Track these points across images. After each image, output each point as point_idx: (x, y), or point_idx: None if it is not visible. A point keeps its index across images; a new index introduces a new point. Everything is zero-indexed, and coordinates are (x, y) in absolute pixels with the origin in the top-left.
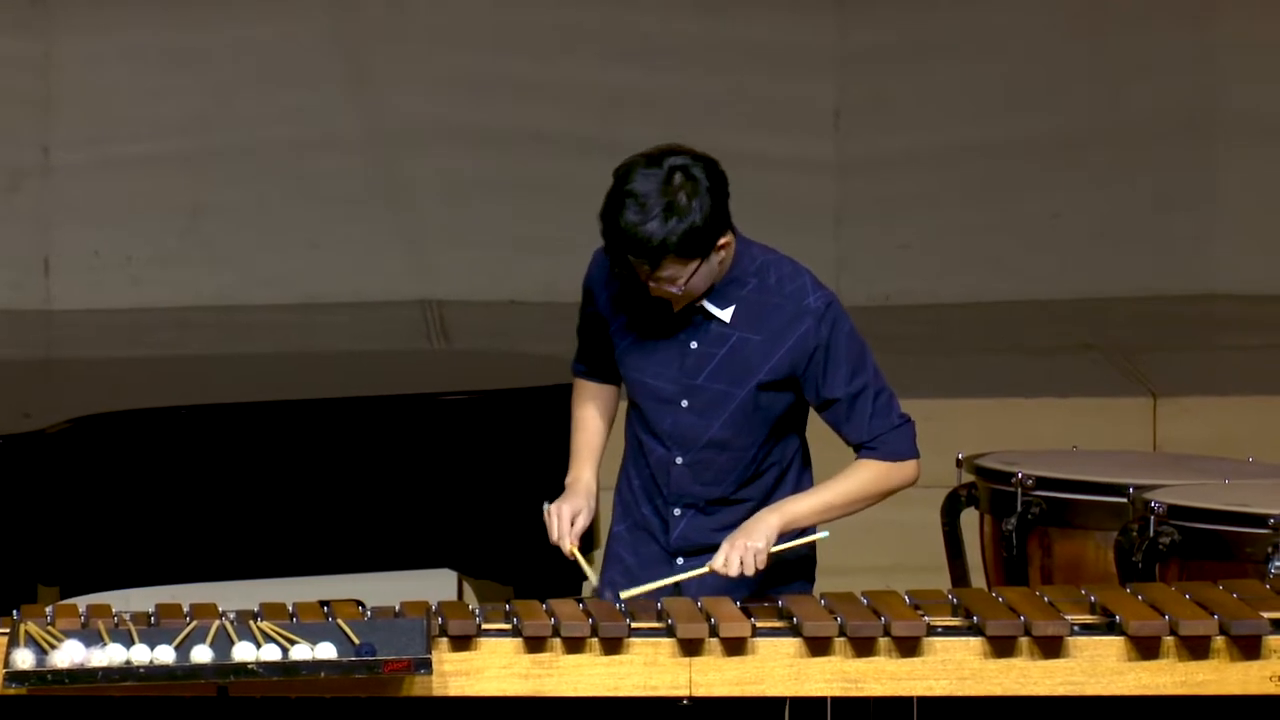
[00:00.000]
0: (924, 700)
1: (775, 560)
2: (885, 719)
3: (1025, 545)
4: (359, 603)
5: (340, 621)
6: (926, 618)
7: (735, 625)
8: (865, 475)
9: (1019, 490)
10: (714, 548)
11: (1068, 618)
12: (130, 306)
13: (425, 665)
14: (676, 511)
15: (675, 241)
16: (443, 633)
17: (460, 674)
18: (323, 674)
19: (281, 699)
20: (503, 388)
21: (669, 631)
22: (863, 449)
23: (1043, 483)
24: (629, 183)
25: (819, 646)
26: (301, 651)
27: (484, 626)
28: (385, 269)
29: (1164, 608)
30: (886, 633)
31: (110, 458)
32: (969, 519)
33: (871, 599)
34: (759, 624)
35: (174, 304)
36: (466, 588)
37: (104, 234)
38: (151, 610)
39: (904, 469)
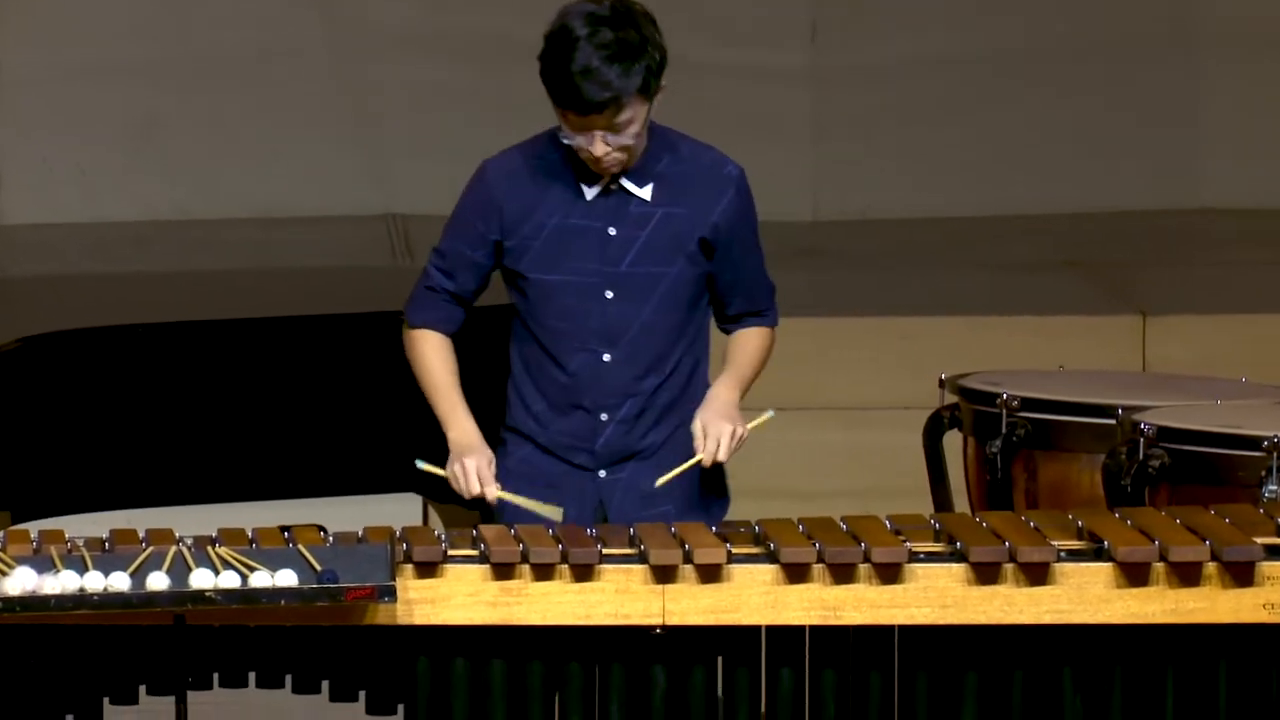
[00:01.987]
0: (905, 629)
1: (687, 474)
2: (865, 648)
3: (1010, 469)
4: (321, 528)
5: (301, 548)
6: (908, 544)
7: (710, 551)
8: (762, 344)
9: (1003, 412)
10: (646, 452)
11: (1054, 544)
12: (83, 220)
13: (389, 593)
14: (604, 417)
15: (639, 78)
16: (407, 559)
17: (425, 602)
18: (283, 602)
19: (240, 628)
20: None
21: (641, 558)
22: (750, 318)
23: (1028, 404)
24: (577, 29)
25: (796, 573)
26: (261, 579)
27: (450, 553)
28: (347, 182)
29: (1153, 533)
30: (866, 559)
31: (62, 378)
32: (951, 442)
33: (851, 524)
34: (734, 550)
35: (128, 218)
36: (432, 513)
37: (55, 145)
38: (106, 536)
39: (773, 333)
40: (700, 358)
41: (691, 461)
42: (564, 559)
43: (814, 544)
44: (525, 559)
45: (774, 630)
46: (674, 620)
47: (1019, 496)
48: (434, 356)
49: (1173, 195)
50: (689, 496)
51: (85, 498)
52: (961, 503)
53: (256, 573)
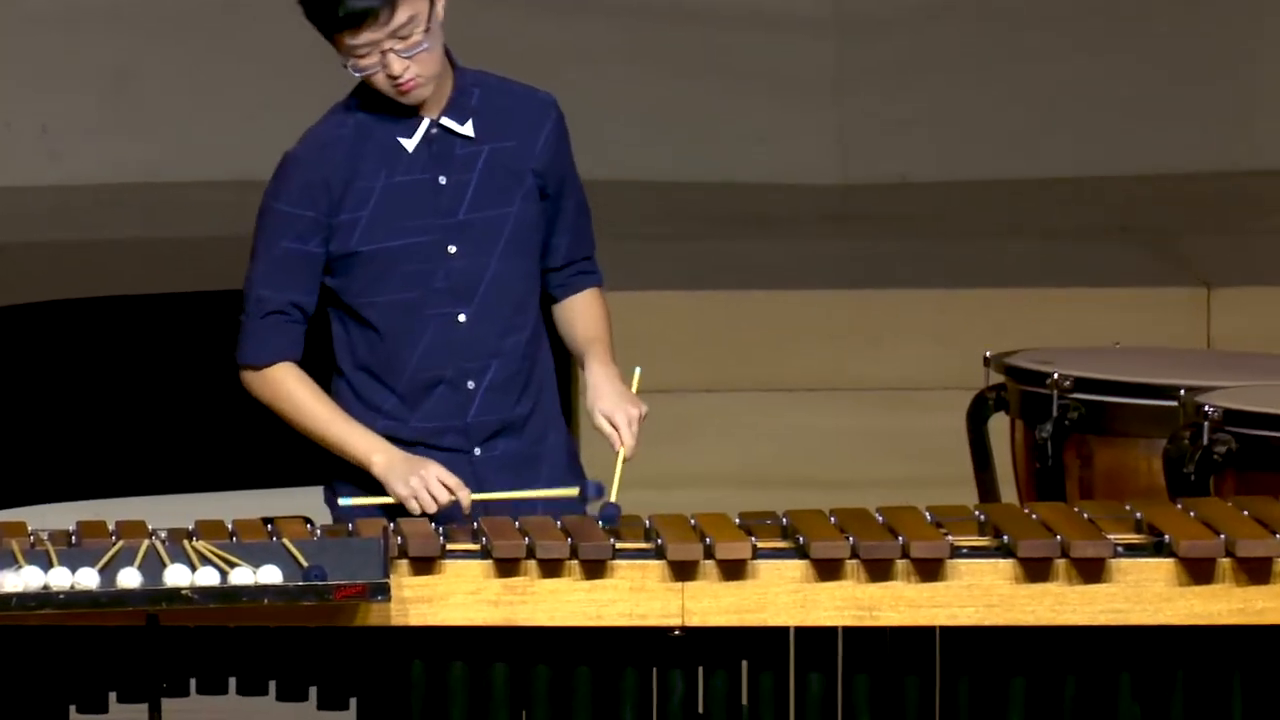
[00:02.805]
0: (947, 631)
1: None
2: (903, 651)
3: (1062, 455)
4: (307, 520)
5: (286, 542)
6: (950, 537)
7: (734, 546)
8: (604, 308)
9: (1055, 393)
10: (515, 424)
11: (1110, 537)
12: (46, 183)
13: (382, 591)
14: (470, 385)
15: None
16: (402, 554)
17: (422, 600)
18: (266, 601)
19: (219, 629)
20: None
21: (658, 553)
22: (580, 275)
23: (1081, 384)
24: None
25: (828, 570)
26: (242, 575)
27: (449, 547)
28: None
29: (1219, 525)
30: (905, 554)
31: (24, 355)
32: (997, 426)
33: (887, 516)
34: (760, 544)
35: (95, 180)
36: None
37: (16, 100)
38: (72, 529)
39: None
40: (536, 315)
41: (620, 459)
42: (573, 554)
43: (847, 538)
44: (531, 554)
45: (803, 632)
46: (694, 621)
47: (1072, 485)
48: (299, 390)
49: (1226, 157)
50: (556, 467)
51: (49, 487)
52: (1009, 492)
53: (237, 569)
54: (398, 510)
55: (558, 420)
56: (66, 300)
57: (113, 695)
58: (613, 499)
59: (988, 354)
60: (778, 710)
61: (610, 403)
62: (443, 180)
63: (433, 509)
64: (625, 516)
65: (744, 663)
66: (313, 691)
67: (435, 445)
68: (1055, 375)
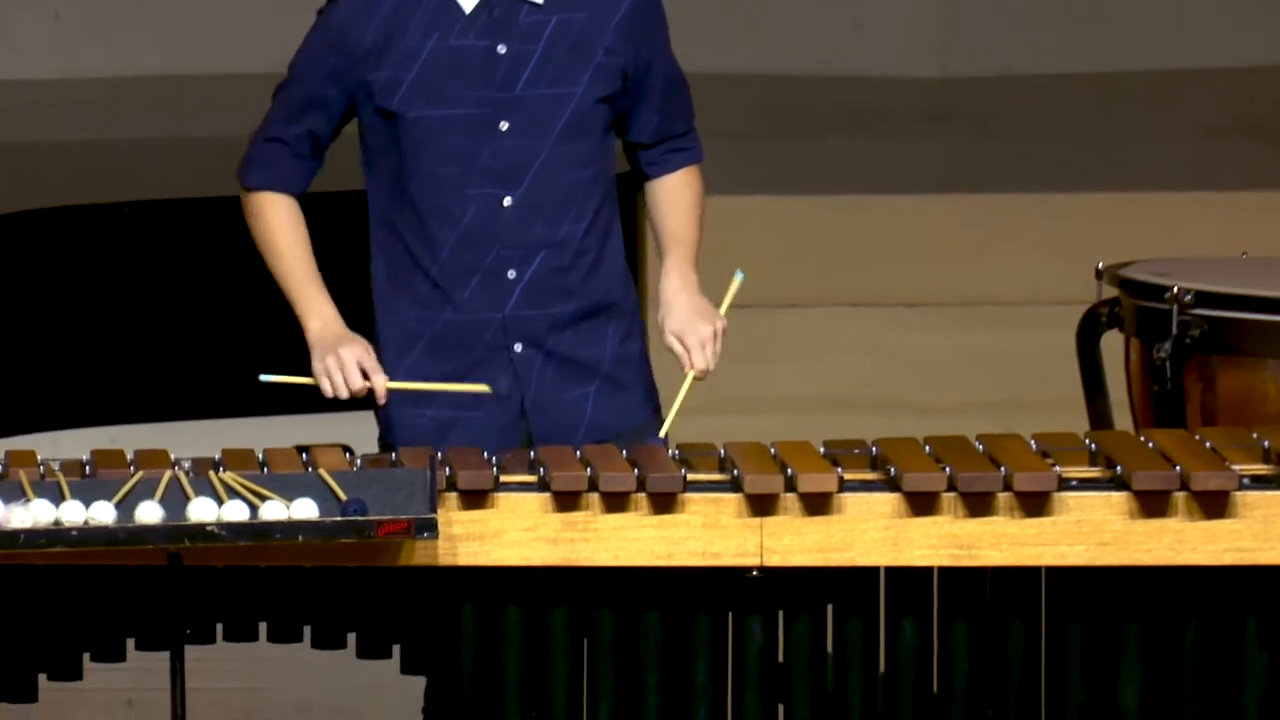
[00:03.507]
0: (1054, 571)
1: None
2: (1006, 594)
3: (1181, 377)
4: (346, 448)
5: (323, 472)
6: (1057, 468)
7: (818, 477)
8: (696, 192)
9: (1175, 308)
10: (556, 324)
11: (1235, 468)
12: (55, 77)
13: (429, 527)
14: (511, 274)
15: None
16: (451, 486)
17: (473, 538)
18: (301, 538)
19: (249, 569)
20: None
21: (734, 485)
22: (673, 152)
23: (1204, 299)
24: None
25: (923, 504)
26: (274, 510)
27: (502, 479)
28: None
29: None
30: (1007, 487)
31: (30, 266)
32: (1111, 345)
33: (988, 445)
34: (847, 475)
35: (109, 74)
36: None
37: None
38: (86, 458)
39: (701, 171)
40: (614, 214)
41: (687, 382)
42: (641, 486)
43: (943, 468)
44: (593, 486)
45: (894, 573)
46: (774, 560)
47: (1193, 411)
48: (279, 225)
49: None
50: (617, 383)
51: (61, 411)
52: (1123, 418)
53: (268, 503)
54: (316, 392)
55: (633, 331)
56: (73, 206)
57: (131, 642)
58: (664, 433)
59: (1100, 265)
60: (866, 659)
61: (681, 319)
62: (501, 49)
63: (344, 394)
64: (699, 444)
65: (829, 607)
66: (351, 639)
67: (471, 342)
68: (1175, 289)
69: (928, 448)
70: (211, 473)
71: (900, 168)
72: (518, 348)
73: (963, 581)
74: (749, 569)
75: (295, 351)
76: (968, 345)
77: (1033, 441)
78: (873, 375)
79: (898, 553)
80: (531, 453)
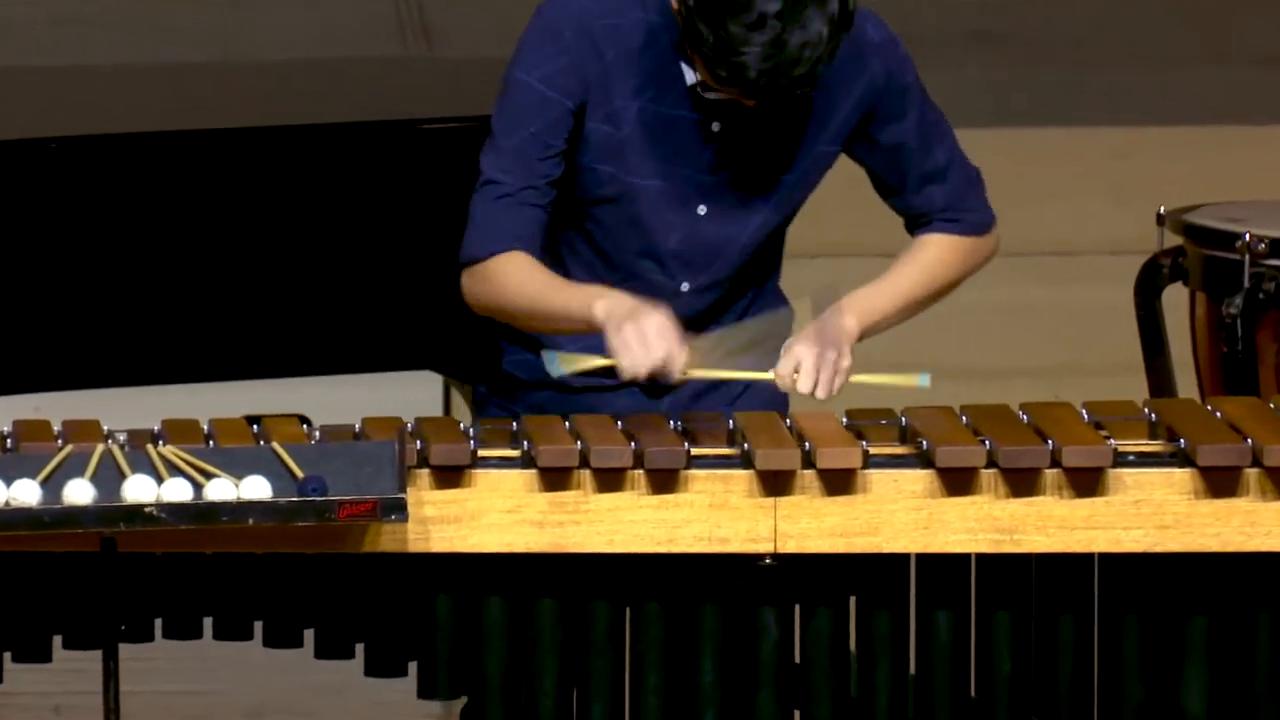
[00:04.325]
0: (1108, 558)
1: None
2: (1053, 584)
3: (1254, 337)
4: (303, 419)
5: (276, 446)
6: (1112, 441)
7: (839, 452)
8: (948, 255)
9: (1246, 258)
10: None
11: None
12: None
13: (398, 509)
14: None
15: (831, 44)
16: (423, 463)
17: (448, 521)
18: (251, 521)
19: (192, 556)
20: None
21: (745, 460)
22: (936, 220)
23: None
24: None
25: (959, 482)
26: (220, 489)
27: (482, 454)
28: None
29: None
30: (1055, 463)
31: None
32: (1174, 300)
33: (1034, 414)
34: (873, 449)
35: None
36: (457, 397)
37: None
38: (7, 430)
39: (990, 241)
40: (774, 282)
41: (759, 375)
42: (639, 462)
43: (982, 441)
44: (585, 462)
45: (927, 560)
46: (790, 546)
47: (1266, 375)
48: (524, 279)
49: None
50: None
51: None
52: (1187, 384)
53: (214, 481)
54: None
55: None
56: (8, 142)
57: (58, 640)
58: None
59: (1162, 209)
60: (895, 657)
61: (806, 338)
62: (715, 127)
63: (644, 369)
64: (705, 414)
65: (852, 599)
66: (309, 636)
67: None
68: (1247, 236)
69: (965, 418)
70: (150, 446)
71: (936, 98)
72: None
73: (1004, 570)
74: (761, 556)
75: (249, 310)
76: (1010, 301)
77: (1084, 411)
78: (902, 335)
79: (930, 537)
80: (514, 424)
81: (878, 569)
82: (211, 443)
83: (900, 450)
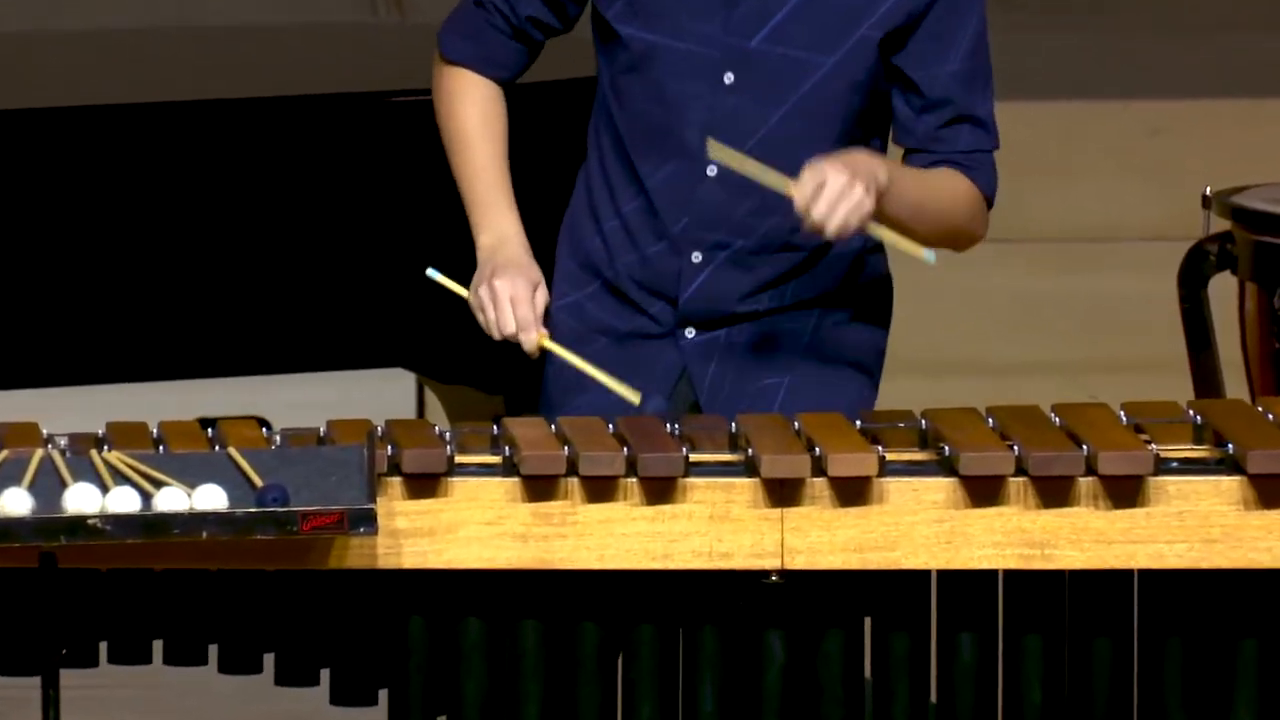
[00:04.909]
0: (1149, 575)
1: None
2: (1089, 603)
3: None
4: (262, 422)
5: (233, 451)
6: (1153, 446)
7: (853, 458)
8: (960, 190)
9: None
10: (738, 318)
11: None
12: None
13: (367, 520)
14: (697, 257)
15: None
16: (394, 470)
17: (422, 534)
18: (205, 534)
19: (140, 573)
20: None
21: (748, 467)
22: (955, 165)
23: None
24: None
25: (984, 491)
26: (172, 499)
27: (459, 460)
28: None
29: None
30: (1090, 470)
31: None
32: (1222, 290)
33: (1066, 416)
34: (890, 455)
35: None
36: (432, 398)
37: None
38: None
39: (985, 214)
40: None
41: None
42: (632, 469)
43: (1010, 446)
44: (573, 469)
45: (950, 577)
46: (799, 563)
47: None
48: (472, 111)
49: None
50: (818, 364)
51: None
52: (1236, 382)
53: (165, 489)
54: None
55: (860, 315)
56: None
57: None
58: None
59: (1208, 190)
60: (914, 683)
61: (835, 164)
62: None
63: (495, 335)
64: (704, 416)
65: (866, 620)
66: (269, 661)
67: (637, 307)
68: None
69: (991, 420)
70: (94, 452)
71: None
72: (689, 333)
73: (1035, 588)
74: (767, 573)
75: (203, 302)
76: (1039, 290)
77: (1122, 412)
78: (920, 328)
79: (953, 552)
80: (495, 426)
81: (895, 587)
82: (161, 448)
83: (920, 456)
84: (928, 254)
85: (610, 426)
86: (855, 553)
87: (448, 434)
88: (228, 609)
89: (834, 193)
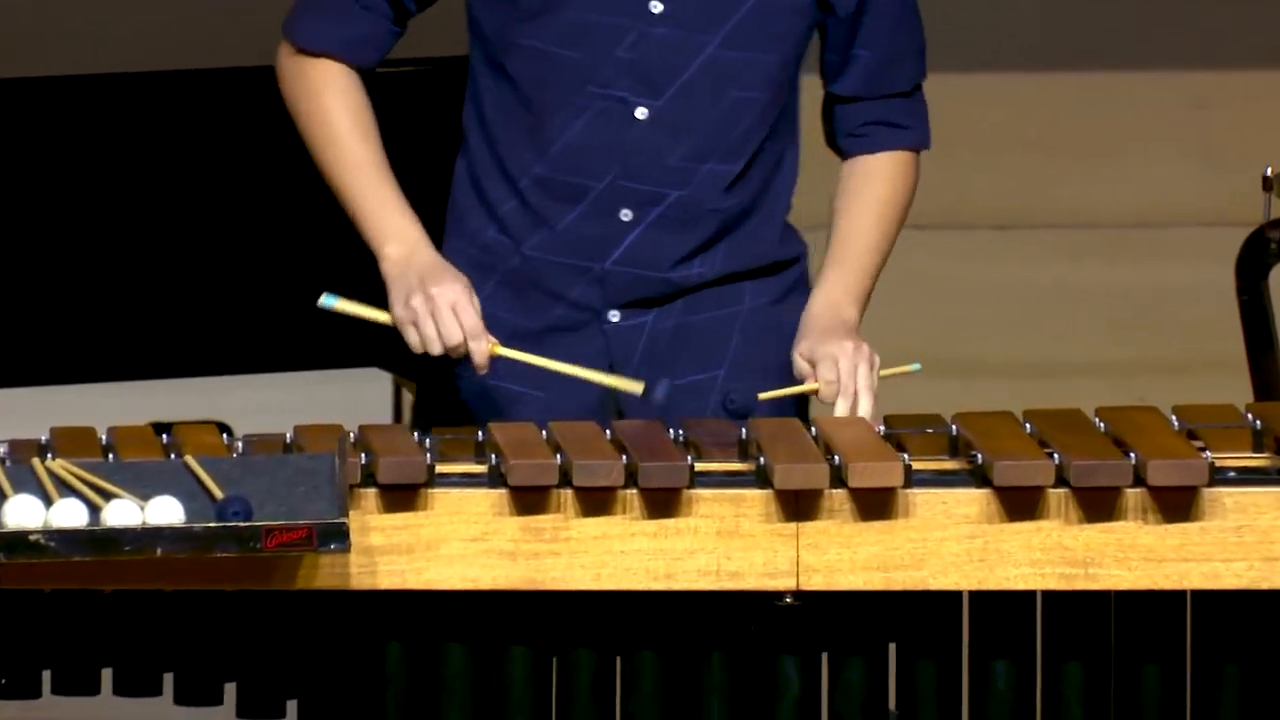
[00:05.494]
0: (1204, 596)
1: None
2: (1137, 628)
3: None
4: (223, 427)
5: (191, 460)
6: (1208, 454)
7: (877, 467)
8: (901, 183)
9: None
10: (669, 297)
11: None
12: None
13: (338, 536)
14: (626, 215)
15: None
16: (369, 480)
17: (399, 551)
18: (160, 550)
19: (88, 594)
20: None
21: (760, 477)
22: (879, 126)
23: None
24: None
25: (1021, 503)
26: (123, 512)
27: (440, 469)
28: None
29: None
30: (1138, 480)
31: None
32: None
33: (1111, 421)
34: (917, 464)
35: None
36: (408, 401)
37: None
38: None
39: (917, 168)
40: (788, 148)
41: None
42: (631, 479)
43: (1050, 454)
44: (567, 479)
45: (983, 599)
46: (816, 583)
47: None
48: (340, 107)
49: None
50: (751, 356)
51: None
52: None
53: (115, 502)
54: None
55: (770, 285)
56: None
57: None
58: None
59: (1270, 171)
60: (943, 716)
61: (816, 335)
62: None
63: (435, 349)
64: (713, 422)
65: (891, 646)
66: (229, 692)
67: (555, 294)
68: None
69: (1028, 425)
70: (37, 460)
71: (981, 32)
72: (613, 315)
73: (1077, 611)
74: (781, 594)
75: (153, 300)
76: (1080, 282)
77: (1174, 417)
78: (949, 324)
79: (986, 572)
80: (480, 432)
81: (922, 610)
82: (111, 456)
83: (950, 465)
84: (914, 366)
85: (608, 432)
86: (878, 572)
87: (427, 440)
88: (184, 634)
89: (850, 372)
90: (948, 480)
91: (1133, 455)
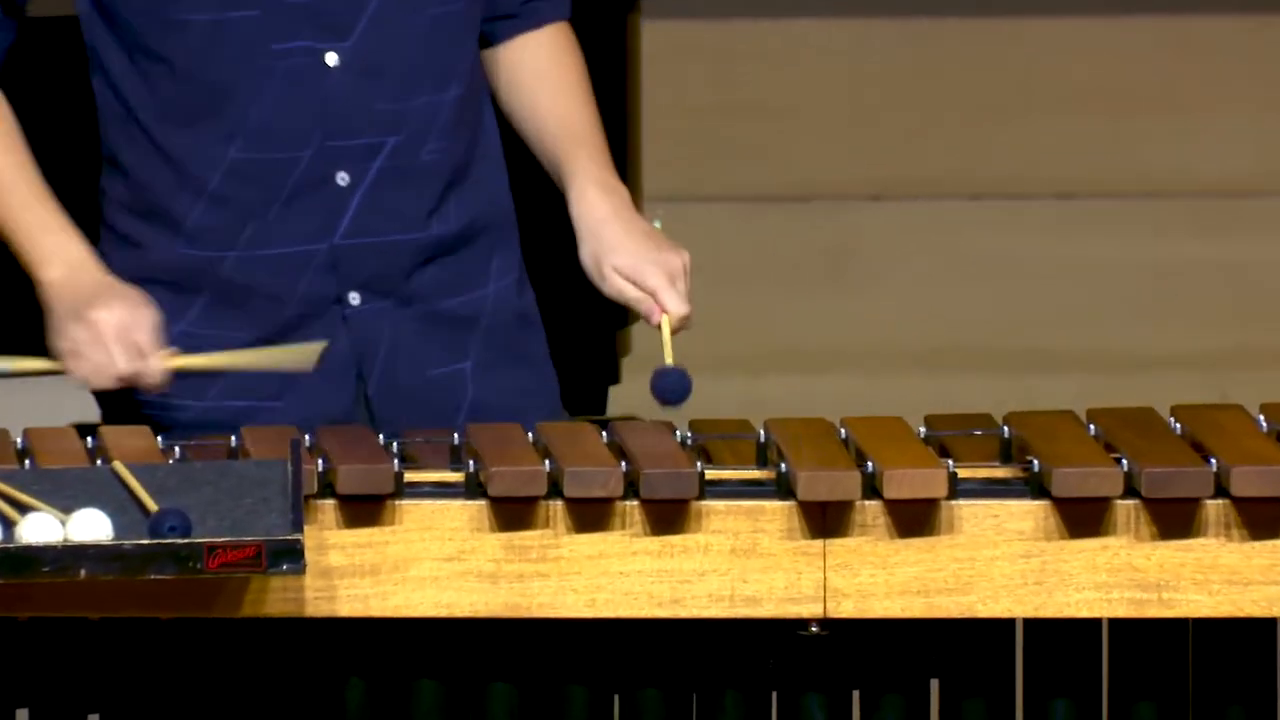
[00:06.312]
0: None
1: None
2: (1219, 657)
3: None
4: (156, 429)
5: (120, 467)
6: None
7: (917, 475)
8: (579, 55)
9: None
10: (414, 257)
11: None
12: None
13: (291, 556)
14: (343, 178)
15: None
16: (327, 489)
17: (362, 572)
18: (84, 572)
19: (3, 622)
20: None
21: (781, 486)
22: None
23: None
24: None
25: (1085, 517)
26: (41, 527)
27: (410, 477)
28: None
29: None
30: (1219, 489)
31: None
32: None
33: (1188, 422)
34: (962, 471)
35: None
36: None
37: None
38: None
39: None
40: (484, 87)
41: (666, 336)
42: (632, 489)
43: (1118, 460)
44: (556, 489)
45: (1040, 627)
46: (845, 610)
47: None
48: None
49: None
50: (499, 345)
51: None
52: None
53: (32, 515)
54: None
55: (523, 272)
56: None
57: None
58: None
59: None
60: None
61: (631, 252)
62: None
63: (103, 383)
64: (724, 421)
65: (933, 682)
66: None
67: (280, 294)
68: None
69: (1091, 427)
70: None
71: None
72: (354, 298)
73: (1150, 640)
74: (806, 622)
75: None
76: (1149, 260)
77: (1261, 417)
78: (1003, 309)
79: (1044, 596)
80: (455, 434)
81: (970, 641)
82: (28, 462)
83: (1001, 473)
84: (655, 223)
85: (605, 435)
86: (918, 597)
87: (395, 444)
88: (113, 668)
89: (685, 278)
90: (999, 490)
91: (1214, 461)
